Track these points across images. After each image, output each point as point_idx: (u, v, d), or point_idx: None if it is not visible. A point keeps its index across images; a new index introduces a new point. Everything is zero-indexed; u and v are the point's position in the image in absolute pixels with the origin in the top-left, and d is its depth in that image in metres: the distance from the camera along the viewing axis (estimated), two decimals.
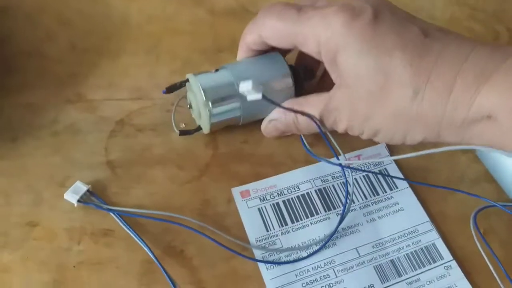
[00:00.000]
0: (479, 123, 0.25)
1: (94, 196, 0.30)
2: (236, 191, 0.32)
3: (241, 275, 0.28)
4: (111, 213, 0.29)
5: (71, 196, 0.29)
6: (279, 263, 0.29)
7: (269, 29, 0.29)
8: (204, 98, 0.30)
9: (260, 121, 0.34)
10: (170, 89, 0.31)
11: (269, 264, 0.29)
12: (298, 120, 0.31)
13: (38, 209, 0.29)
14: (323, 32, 0.27)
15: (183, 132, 0.32)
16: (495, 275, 0.29)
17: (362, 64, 0.26)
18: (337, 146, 0.31)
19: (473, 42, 0.26)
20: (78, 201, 0.29)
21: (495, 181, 0.34)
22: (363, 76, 0.26)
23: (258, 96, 0.26)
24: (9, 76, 0.35)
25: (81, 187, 0.29)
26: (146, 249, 0.28)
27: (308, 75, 0.34)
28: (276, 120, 0.32)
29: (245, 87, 0.25)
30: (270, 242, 0.30)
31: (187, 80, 0.31)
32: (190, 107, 0.33)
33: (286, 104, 0.31)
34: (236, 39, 0.37)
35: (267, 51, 0.32)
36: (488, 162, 0.35)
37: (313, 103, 0.30)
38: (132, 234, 0.28)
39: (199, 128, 0.32)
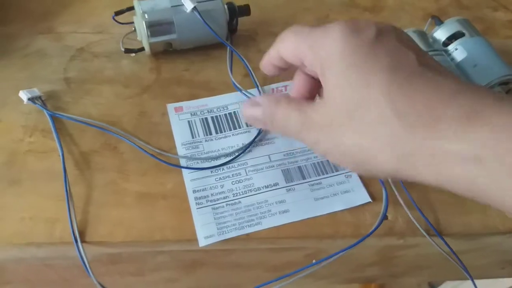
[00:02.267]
0: (462, 164, 0.22)
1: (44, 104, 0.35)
2: (171, 106, 0.37)
3: (164, 168, 0.33)
4: (58, 116, 0.34)
5: (24, 95, 0.34)
6: (199, 160, 0.34)
7: (284, 43, 0.28)
8: (143, 19, 0.35)
9: (199, 50, 0.39)
10: (118, 13, 0.37)
11: (190, 161, 0.34)
12: (275, 117, 0.28)
13: (2, 110, 0.35)
14: (320, 43, 0.26)
15: (128, 50, 0.37)
16: (390, 182, 0.33)
17: (344, 78, 0.25)
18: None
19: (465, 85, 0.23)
20: (29, 99, 0.34)
21: None
22: (341, 89, 0.25)
23: (192, 5, 0.35)
24: None
25: (35, 92, 0.35)
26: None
27: (244, 11, 0.39)
28: (257, 107, 0.29)
29: None
30: (194, 146, 0.35)
31: (133, 7, 0.37)
32: (135, 30, 0.38)
33: (268, 96, 0.29)
34: None
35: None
36: None
37: (294, 103, 0.28)
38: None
39: (142, 49, 0.38)
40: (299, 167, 0.34)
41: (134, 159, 0.33)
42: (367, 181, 0.34)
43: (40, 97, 0.35)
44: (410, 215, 0.32)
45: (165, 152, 0.34)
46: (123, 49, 0.38)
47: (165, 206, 0.31)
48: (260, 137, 0.35)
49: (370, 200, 0.32)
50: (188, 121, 0.36)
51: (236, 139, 0.35)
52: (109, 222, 0.30)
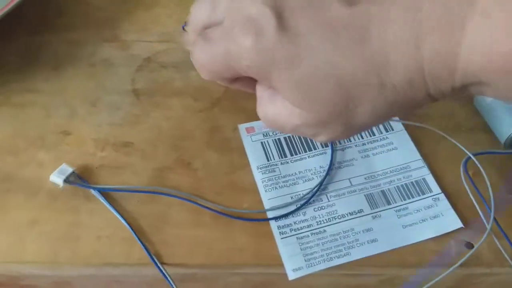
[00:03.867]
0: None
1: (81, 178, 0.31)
2: (242, 127, 0.35)
3: (239, 187, 0.32)
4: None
5: (57, 178, 0.31)
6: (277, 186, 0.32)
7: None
8: None
9: None
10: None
11: (268, 186, 0.32)
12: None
13: (72, 121, 0.34)
14: (241, 61, 0.22)
15: None
16: (478, 208, 0.31)
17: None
18: None
19: None
20: (64, 181, 0.31)
21: (492, 131, 0.36)
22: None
23: None
24: (59, 18, 0.41)
25: (67, 169, 0.31)
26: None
27: None
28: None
29: None
30: (270, 170, 0.33)
31: None
32: None
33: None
34: None
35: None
36: (485, 111, 0.36)
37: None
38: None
39: None
40: (383, 191, 0.32)
41: (208, 177, 0.32)
42: (455, 202, 0.32)
43: (74, 172, 0.31)
44: (498, 244, 0.31)
45: (240, 169, 0.33)
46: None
47: (242, 227, 0.30)
48: (339, 159, 0.34)
49: (462, 225, 0.31)
50: (261, 143, 0.34)
51: (312, 162, 0.34)
52: (185, 242, 0.30)
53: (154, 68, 0.38)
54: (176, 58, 0.39)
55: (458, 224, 0.31)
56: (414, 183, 0.33)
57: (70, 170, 0.31)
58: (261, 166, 0.33)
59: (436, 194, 0.32)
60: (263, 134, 0.35)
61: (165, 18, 0.41)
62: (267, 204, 0.31)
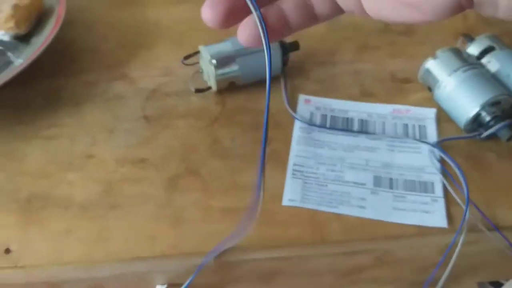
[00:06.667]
0: None
1: None
2: (302, 97, 0.43)
3: (241, 186, 0.37)
4: None
5: None
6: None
7: None
8: (211, 61, 0.41)
9: (259, 83, 0.44)
10: (187, 58, 0.42)
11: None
12: None
13: (94, 147, 0.40)
14: None
15: (198, 90, 0.43)
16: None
17: None
18: None
19: None
20: None
21: (452, 121, 0.41)
22: None
23: None
24: (74, 64, 0.48)
25: None
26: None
27: (294, 47, 0.44)
28: None
29: None
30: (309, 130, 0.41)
31: (199, 52, 0.42)
32: (202, 71, 0.43)
33: None
34: None
35: None
36: (444, 103, 0.41)
37: None
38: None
39: (209, 88, 0.43)
40: (391, 179, 0.37)
41: (214, 180, 0.38)
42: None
43: None
44: (468, 212, 0.36)
45: (240, 172, 0.38)
46: (193, 89, 0.43)
47: None
48: (365, 144, 0.39)
49: (446, 226, 0.34)
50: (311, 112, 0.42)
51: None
52: (199, 235, 0.35)
53: (159, 97, 0.44)
54: (177, 88, 0.45)
55: (443, 224, 0.34)
56: (422, 183, 0.37)
57: None
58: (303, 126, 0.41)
59: (437, 197, 0.36)
60: (316, 107, 0.42)
61: (165, 55, 0.48)
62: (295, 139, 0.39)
